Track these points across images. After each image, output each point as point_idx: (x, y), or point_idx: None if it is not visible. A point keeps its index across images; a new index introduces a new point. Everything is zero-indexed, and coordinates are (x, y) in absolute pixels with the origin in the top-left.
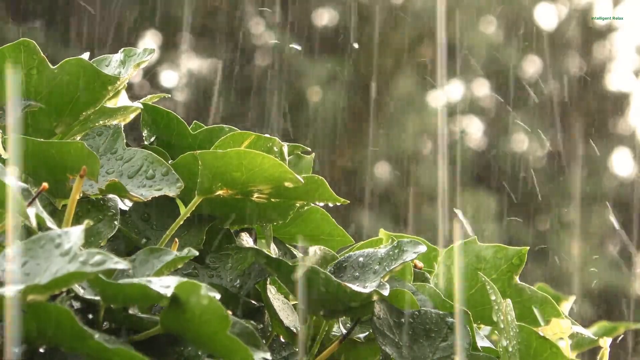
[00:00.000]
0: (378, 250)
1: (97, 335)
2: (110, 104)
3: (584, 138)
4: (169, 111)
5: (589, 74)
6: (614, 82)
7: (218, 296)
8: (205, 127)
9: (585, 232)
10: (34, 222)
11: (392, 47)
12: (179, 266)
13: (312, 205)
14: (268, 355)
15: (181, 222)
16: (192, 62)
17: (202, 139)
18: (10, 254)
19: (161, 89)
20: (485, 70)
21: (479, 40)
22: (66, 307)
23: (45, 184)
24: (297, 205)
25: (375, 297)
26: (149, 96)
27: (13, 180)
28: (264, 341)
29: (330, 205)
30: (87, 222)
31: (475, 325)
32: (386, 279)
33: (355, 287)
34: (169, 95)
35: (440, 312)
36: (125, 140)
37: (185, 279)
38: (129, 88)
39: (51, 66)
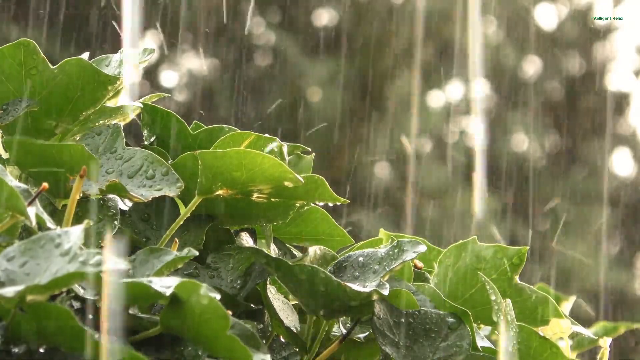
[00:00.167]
0: (378, 250)
1: (97, 335)
2: (110, 104)
3: (584, 138)
4: (169, 111)
5: (589, 74)
6: (614, 82)
7: (218, 296)
8: (205, 127)
9: (585, 232)
10: (34, 222)
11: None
12: (179, 266)
13: (312, 205)
14: (268, 356)
15: (181, 222)
16: (192, 62)
17: (202, 139)
18: (10, 253)
19: (161, 89)
20: (485, 70)
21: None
22: (66, 307)
23: (45, 184)
24: (297, 205)
25: (375, 297)
26: (148, 96)
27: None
28: (264, 341)
29: (330, 205)
30: (87, 222)
31: (475, 325)
32: (386, 278)
33: (355, 286)
34: (169, 95)
35: (440, 312)
36: (125, 140)
37: (185, 279)
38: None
39: (51, 66)
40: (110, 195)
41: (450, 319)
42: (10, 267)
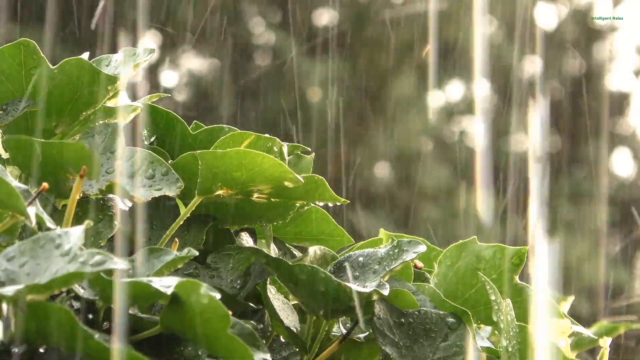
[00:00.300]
0: (378, 250)
1: (97, 335)
2: (110, 104)
3: (584, 138)
4: (169, 111)
5: (589, 74)
6: (614, 82)
7: (218, 295)
8: (205, 127)
9: (585, 232)
10: (34, 222)
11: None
12: (179, 266)
13: (312, 205)
14: (268, 356)
15: (181, 222)
16: (192, 62)
17: (202, 139)
18: (10, 254)
19: (161, 89)
20: (485, 70)
21: (479, 40)
22: (66, 307)
23: (45, 184)
24: (297, 205)
25: (375, 297)
26: (148, 96)
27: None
28: (264, 341)
29: (330, 205)
30: (87, 222)
31: (475, 325)
32: (386, 278)
33: (355, 286)
34: (169, 95)
35: (441, 312)
36: (124, 140)
37: (185, 278)
38: (129, 88)
39: (51, 66)
40: (110, 195)
41: (450, 319)
42: (11, 267)
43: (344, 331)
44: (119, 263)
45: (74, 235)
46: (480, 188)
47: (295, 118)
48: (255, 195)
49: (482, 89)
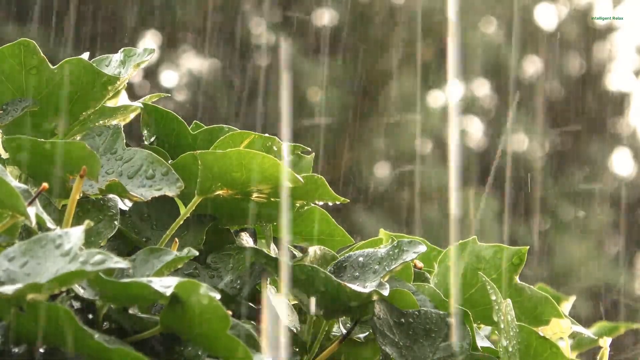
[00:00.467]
0: (378, 250)
1: (97, 335)
2: (110, 104)
3: (584, 138)
4: (169, 111)
5: (589, 74)
6: (614, 82)
7: (218, 296)
8: (205, 127)
9: (585, 232)
10: (34, 222)
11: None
12: (179, 266)
13: (312, 205)
14: (267, 357)
15: (181, 222)
16: (192, 62)
17: (202, 139)
18: (11, 254)
19: (161, 89)
20: (485, 70)
21: (479, 40)
22: (66, 307)
23: (45, 184)
24: (297, 205)
25: (375, 297)
26: (148, 96)
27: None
28: None
29: (330, 204)
30: (87, 222)
31: (475, 325)
32: (386, 278)
33: (355, 286)
34: (169, 95)
35: (441, 312)
36: (125, 140)
37: (185, 279)
38: (129, 88)
39: (51, 66)
40: (110, 195)
41: (451, 319)
42: (11, 267)
43: (344, 331)
44: (119, 263)
45: (74, 235)
46: (480, 188)
47: (295, 118)
48: (255, 195)
49: (482, 89)
